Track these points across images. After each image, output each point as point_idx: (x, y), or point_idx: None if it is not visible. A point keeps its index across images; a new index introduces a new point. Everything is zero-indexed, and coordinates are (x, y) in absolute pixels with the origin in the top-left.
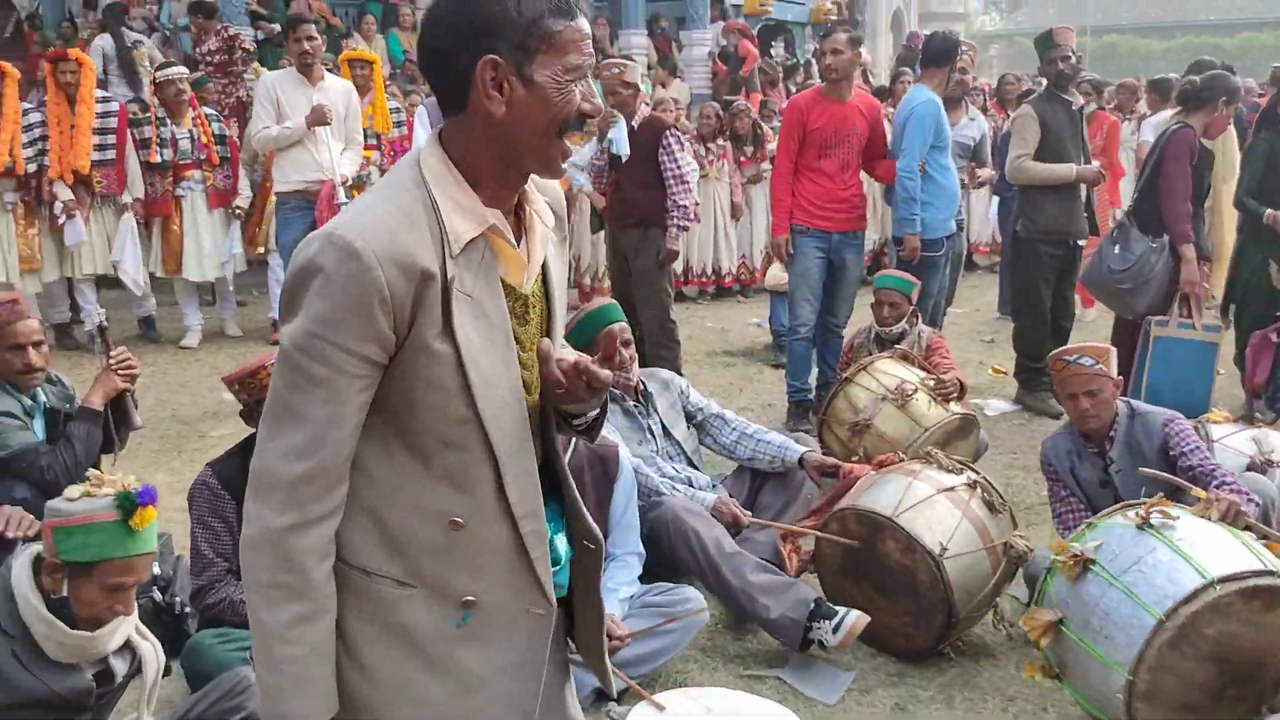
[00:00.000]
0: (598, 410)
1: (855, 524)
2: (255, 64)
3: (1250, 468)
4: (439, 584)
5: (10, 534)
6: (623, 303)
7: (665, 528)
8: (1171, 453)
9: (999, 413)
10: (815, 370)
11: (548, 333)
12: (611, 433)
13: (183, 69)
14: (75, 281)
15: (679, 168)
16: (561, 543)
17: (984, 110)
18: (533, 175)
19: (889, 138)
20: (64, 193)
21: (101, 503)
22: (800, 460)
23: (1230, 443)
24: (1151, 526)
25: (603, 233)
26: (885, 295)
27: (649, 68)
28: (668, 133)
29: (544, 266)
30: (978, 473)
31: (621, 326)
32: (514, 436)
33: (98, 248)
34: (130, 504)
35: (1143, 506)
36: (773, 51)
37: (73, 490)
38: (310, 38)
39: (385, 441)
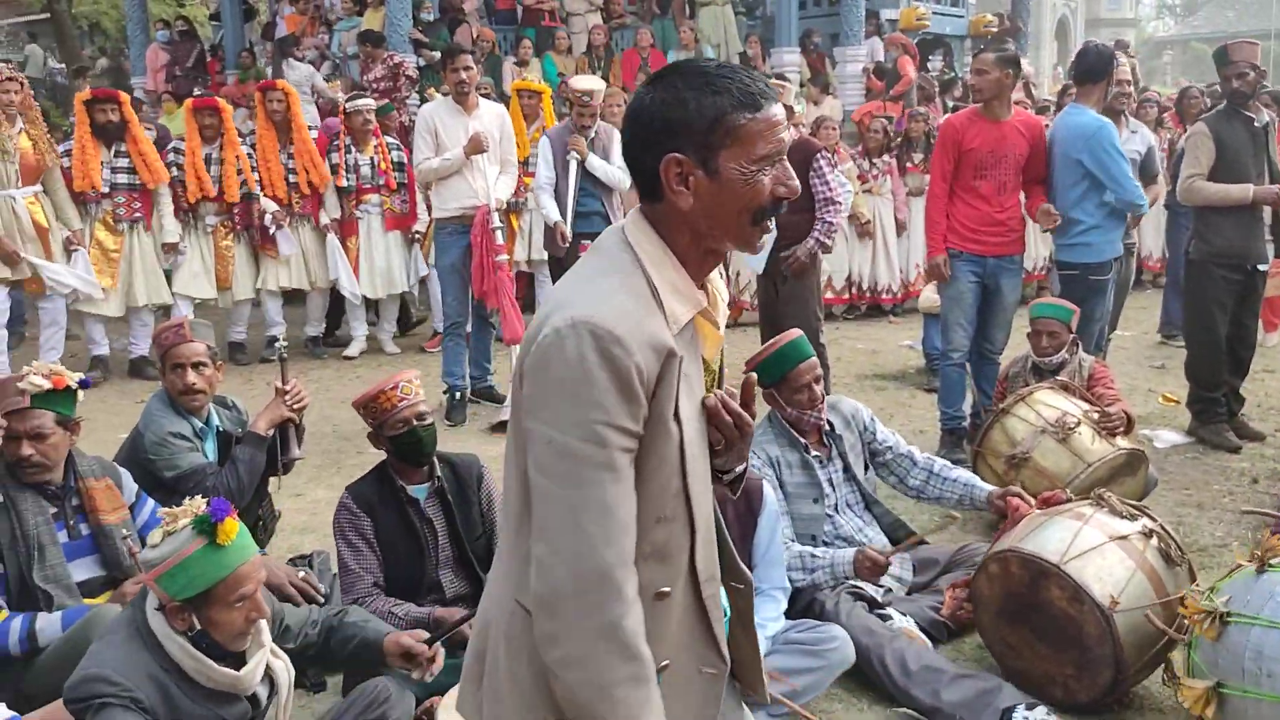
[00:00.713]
0: (743, 465)
1: (1018, 567)
2: (431, 89)
3: None
4: None
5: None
6: (771, 325)
7: None
8: None
9: (1170, 445)
10: (970, 397)
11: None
12: (780, 499)
13: (369, 100)
14: (263, 294)
15: (829, 189)
16: (723, 596)
17: (1158, 123)
18: None
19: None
20: (270, 204)
21: (183, 536)
22: (988, 498)
23: None
24: (1270, 566)
25: None
26: (1043, 324)
27: (801, 85)
28: (818, 155)
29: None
30: (1155, 519)
31: (813, 362)
32: (707, 505)
33: (292, 264)
34: (208, 525)
35: (1257, 549)
36: (930, 65)
37: (154, 535)
38: (467, 68)
39: None
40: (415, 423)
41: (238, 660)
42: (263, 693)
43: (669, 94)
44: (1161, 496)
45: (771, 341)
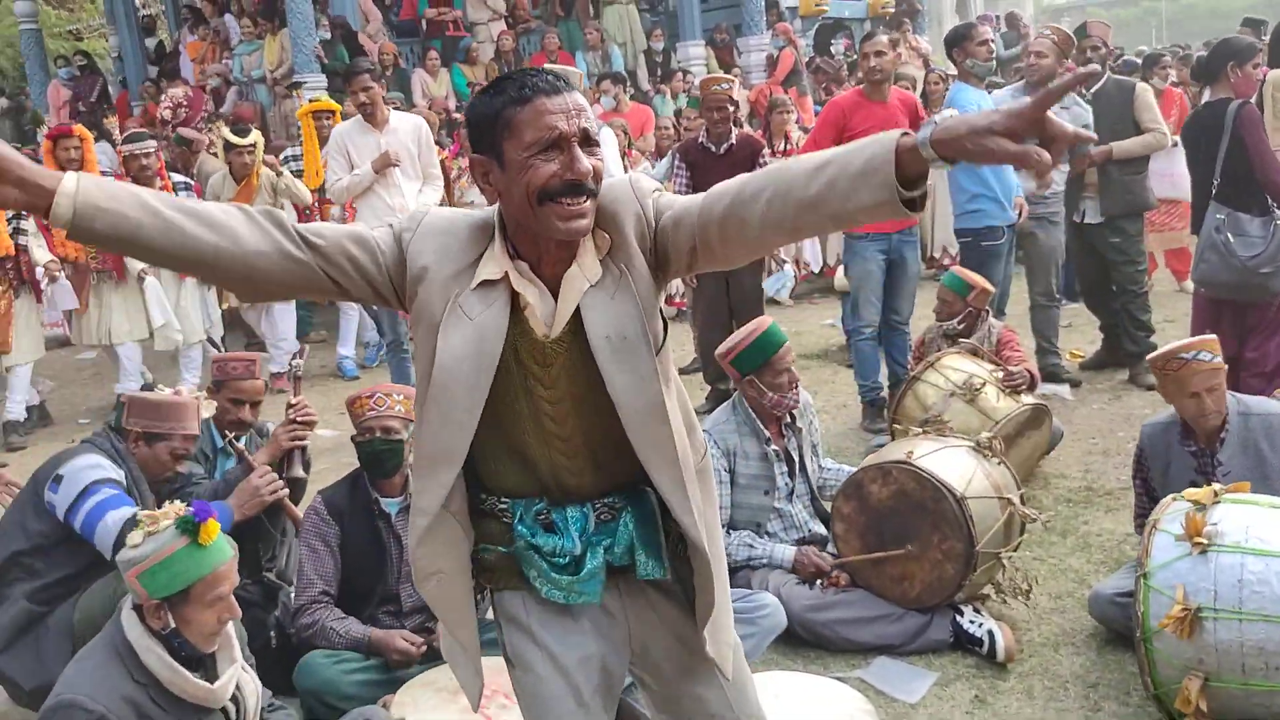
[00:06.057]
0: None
1: (844, 503)
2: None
3: None
4: None
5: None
6: (717, 309)
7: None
8: None
9: (1076, 398)
10: (884, 368)
11: (591, 377)
12: (727, 490)
13: (148, 142)
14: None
15: None
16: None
17: None
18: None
19: None
20: (41, 255)
21: (166, 535)
22: None
23: None
24: (1211, 547)
25: None
26: (940, 293)
27: None
28: (765, 152)
29: (581, 321)
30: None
31: (789, 345)
32: (446, 439)
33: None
34: (191, 525)
35: (1181, 527)
36: (833, 49)
37: (134, 537)
38: (366, 88)
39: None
40: (377, 434)
41: (210, 675)
42: (232, 710)
43: (474, 101)
44: (1070, 446)
45: (749, 330)
